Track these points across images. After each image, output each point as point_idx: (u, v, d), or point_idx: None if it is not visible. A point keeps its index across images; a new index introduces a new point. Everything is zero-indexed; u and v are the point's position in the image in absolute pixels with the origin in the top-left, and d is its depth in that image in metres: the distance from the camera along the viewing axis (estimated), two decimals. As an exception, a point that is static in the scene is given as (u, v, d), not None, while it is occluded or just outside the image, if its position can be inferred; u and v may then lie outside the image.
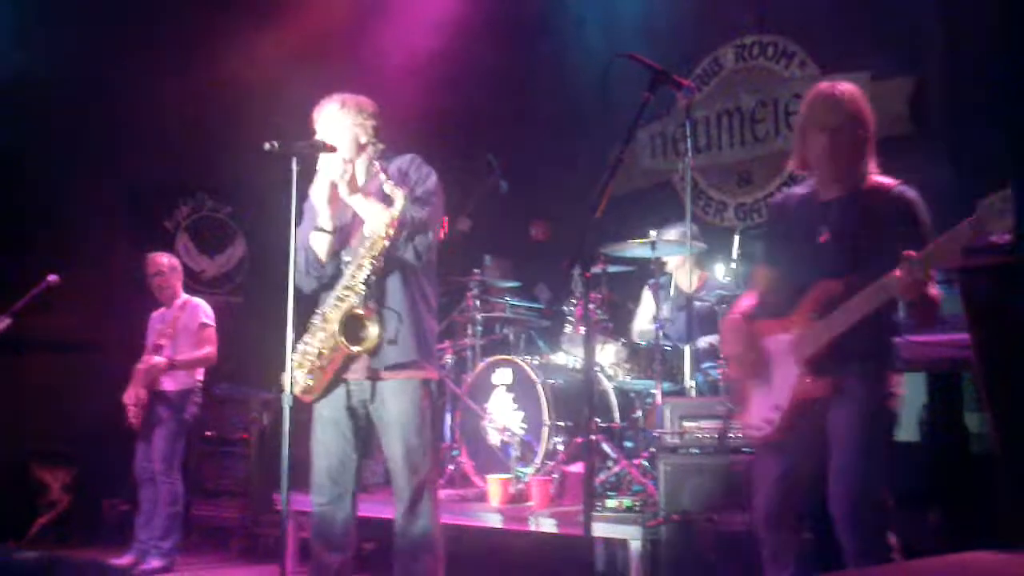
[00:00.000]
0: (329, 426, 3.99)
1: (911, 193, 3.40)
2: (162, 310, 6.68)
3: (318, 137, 3.97)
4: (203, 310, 6.66)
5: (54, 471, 7.53)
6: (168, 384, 6.45)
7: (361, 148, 4.00)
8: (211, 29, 7.65)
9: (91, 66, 7.44)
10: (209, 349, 6.57)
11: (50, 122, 7.38)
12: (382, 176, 3.85)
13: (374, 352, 3.86)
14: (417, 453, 3.92)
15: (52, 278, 6.24)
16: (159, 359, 6.38)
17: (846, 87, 3.47)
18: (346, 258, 3.97)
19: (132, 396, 6.37)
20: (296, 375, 3.90)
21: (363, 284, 3.83)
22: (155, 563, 6.26)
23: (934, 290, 3.26)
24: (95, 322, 7.22)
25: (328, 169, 3.88)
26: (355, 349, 3.82)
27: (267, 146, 3.76)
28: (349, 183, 3.86)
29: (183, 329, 6.56)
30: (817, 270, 3.40)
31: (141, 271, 6.70)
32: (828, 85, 3.50)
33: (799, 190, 3.66)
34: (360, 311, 3.83)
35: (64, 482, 7.50)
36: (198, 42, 7.67)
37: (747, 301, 3.71)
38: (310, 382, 3.93)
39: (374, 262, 3.84)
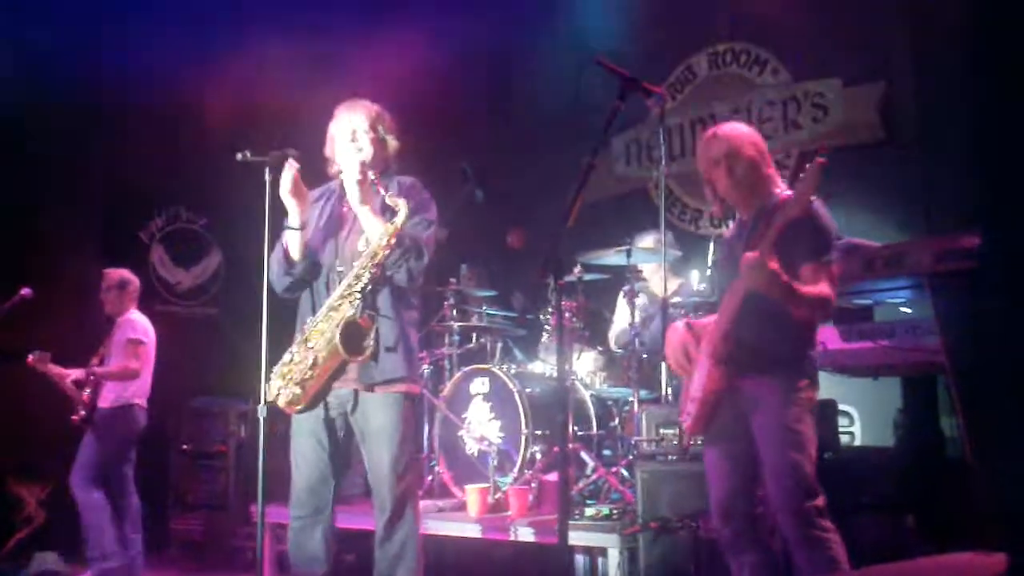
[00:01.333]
0: (308, 438, 3.96)
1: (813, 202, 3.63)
2: None
3: (339, 131, 4.00)
4: (134, 326, 6.52)
5: (30, 486, 7.47)
6: (102, 402, 6.38)
7: (383, 163, 4.02)
8: (184, 40, 7.63)
9: (65, 78, 7.41)
10: (130, 364, 6.37)
11: (23, 134, 7.35)
12: (381, 191, 3.86)
13: (368, 362, 3.85)
14: (400, 464, 3.90)
15: (25, 291, 6.20)
16: (75, 371, 6.37)
17: (724, 126, 3.82)
18: (339, 268, 3.95)
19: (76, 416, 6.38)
20: (280, 385, 3.87)
21: (359, 293, 3.82)
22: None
23: (811, 288, 3.43)
24: (70, 335, 7.16)
25: (286, 175, 3.84)
26: (358, 359, 3.79)
27: (239, 156, 3.77)
28: (363, 191, 3.85)
29: (115, 345, 6.47)
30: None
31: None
32: (710, 130, 3.83)
33: (736, 220, 3.95)
34: (359, 320, 3.81)
35: (40, 497, 7.45)
36: (169, 54, 7.65)
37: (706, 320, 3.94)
38: (297, 392, 3.87)
39: (373, 271, 3.83)
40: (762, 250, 3.31)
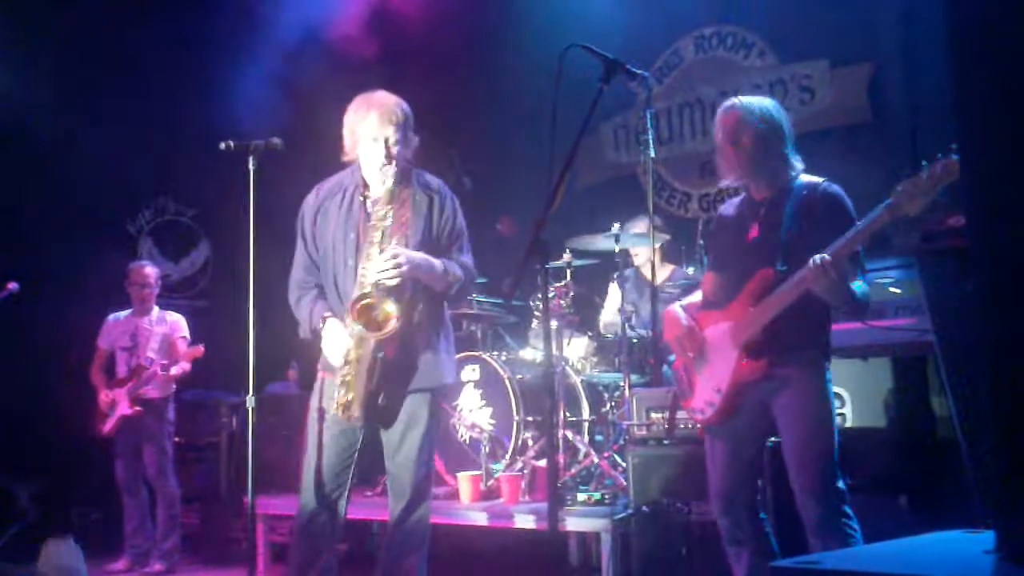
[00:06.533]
0: (337, 423, 3.88)
1: (836, 187, 3.58)
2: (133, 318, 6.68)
3: (366, 134, 3.84)
4: (181, 325, 6.77)
5: (22, 481, 7.44)
6: (153, 392, 6.45)
7: (402, 161, 3.90)
8: (169, 29, 7.59)
9: (51, 74, 7.37)
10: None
11: (10, 129, 7.29)
12: (418, 195, 3.88)
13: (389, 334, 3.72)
14: (424, 454, 3.91)
15: (12, 285, 6.19)
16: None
17: (745, 97, 3.72)
18: (363, 269, 3.77)
19: (124, 405, 6.38)
20: (341, 393, 3.77)
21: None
22: (157, 566, 6.35)
23: (861, 291, 3.39)
24: (59, 329, 7.13)
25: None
26: (378, 334, 3.67)
27: (223, 145, 3.74)
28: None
29: (160, 338, 6.62)
30: (747, 263, 3.56)
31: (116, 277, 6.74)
32: (729, 102, 3.71)
33: (739, 198, 3.83)
34: (369, 299, 3.67)
35: (32, 492, 7.42)
36: (156, 44, 7.61)
37: (692, 299, 3.91)
38: (349, 397, 3.76)
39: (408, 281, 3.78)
40: (836, 257, 3.23)
